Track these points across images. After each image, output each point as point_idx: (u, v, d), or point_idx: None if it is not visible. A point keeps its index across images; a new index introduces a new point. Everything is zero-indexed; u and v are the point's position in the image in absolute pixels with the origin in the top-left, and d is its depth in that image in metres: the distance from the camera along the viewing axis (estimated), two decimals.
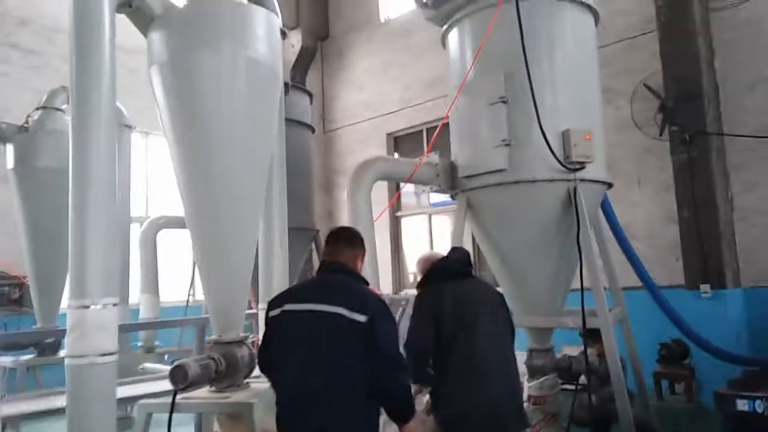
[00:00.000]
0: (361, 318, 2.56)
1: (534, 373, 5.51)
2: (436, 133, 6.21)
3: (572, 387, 5.01)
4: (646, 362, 6.44)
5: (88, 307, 2.85)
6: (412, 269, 10.67)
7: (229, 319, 3.52)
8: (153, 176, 10.41)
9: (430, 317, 3.16)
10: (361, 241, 2.99)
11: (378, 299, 2.79)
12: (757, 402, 2.23)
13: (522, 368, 5.67)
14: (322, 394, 2.52)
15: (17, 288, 7.99)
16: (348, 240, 2.95)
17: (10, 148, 6.48)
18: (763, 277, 6.75)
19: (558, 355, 5.46)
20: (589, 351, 5.00)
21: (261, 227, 4.58)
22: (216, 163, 3.33)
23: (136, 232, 8.16)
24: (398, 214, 11.35)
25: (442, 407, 3.12)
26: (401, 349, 2.83)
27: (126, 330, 6.53)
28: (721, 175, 6.91)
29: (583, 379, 5.12)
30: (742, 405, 2.28)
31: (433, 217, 10.80)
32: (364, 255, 2.98)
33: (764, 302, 6.65)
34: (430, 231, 10.77)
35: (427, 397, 3.38)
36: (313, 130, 8.82)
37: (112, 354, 2.91)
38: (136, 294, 8.06)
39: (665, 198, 7.33)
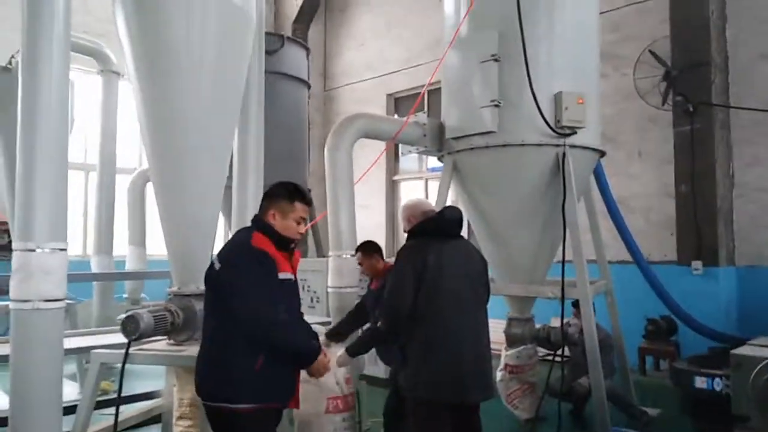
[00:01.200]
0: (216, 266, 2.59)
1: (512, 342, 5.43)
2: (422, 93, 5.99)
3: (551, 357, 4.91)
4: (634, 337, 6.35)
5: (33, 250, 2.75)
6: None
7: (190, 270, 3.41)
8: None
9: (412, 275, 3.04)
10: (273, 193, 2.75)
11: (242, 247, 2.60)
12: (716, 380, 2.10)
13: (501, 336, 5.62)
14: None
15: (5, 234, 7.94)
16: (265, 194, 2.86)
17: None
18: (759, 256, 6.58)
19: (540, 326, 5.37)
20: (577, 321, 4.93)
21: (235, 182, 4.46)
22: (177, 102, 3.15)
23: (125, 183, 8.08)
24: (395, 178, 11.17)
25: (409, 368, 3.06)
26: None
27: (101, 279, 6.51)
28: (724, 148, 6.67)
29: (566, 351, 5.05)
30: (700, 382, 2.15)
31: (430, 182, 10.62)
32: (277, 208, 2.67)
33: (757, 282, 6.50)
34: (426, 196, 10.61)
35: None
36: (309, 87, 8.58)
37: (58, 300, 2.82)
38: (124, 246, 8.03)
39: (665, 171, 7.11)
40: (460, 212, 3.34)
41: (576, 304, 4.85)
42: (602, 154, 5.15)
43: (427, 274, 3.03)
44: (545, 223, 4.89)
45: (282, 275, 2.59)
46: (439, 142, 5.19)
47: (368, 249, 4.20)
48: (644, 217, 7.26)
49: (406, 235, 3.34)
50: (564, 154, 4.57)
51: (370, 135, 5.04)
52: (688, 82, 6.60)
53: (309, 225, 8.39)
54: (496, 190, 4.91)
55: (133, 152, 10.05)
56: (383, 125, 5.20)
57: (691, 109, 6.52)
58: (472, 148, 4.82)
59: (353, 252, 4.72)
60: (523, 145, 4.61)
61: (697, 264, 6.53)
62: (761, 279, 6.49)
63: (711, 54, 6.56)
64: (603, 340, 4.80)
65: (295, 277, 2.75)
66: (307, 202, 2.74)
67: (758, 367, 1.96)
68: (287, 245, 2.69)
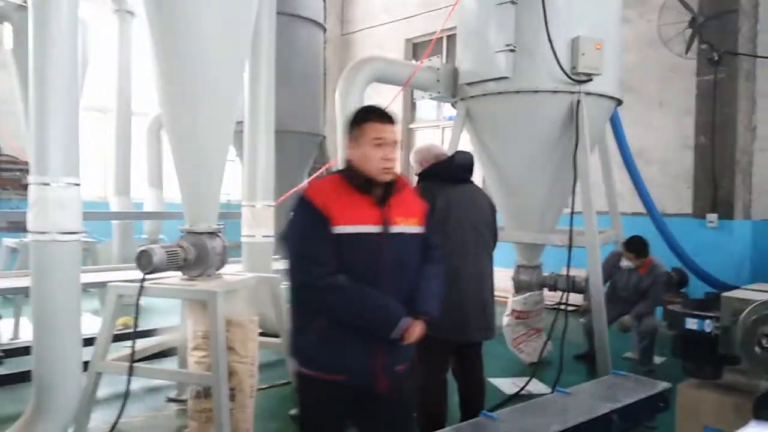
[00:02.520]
0: None
1: (520, 288, 5.52)
2: (435, 37, 5.87)
3: (558, 305, 4.99)
4: None
5: (48, 184, 2.84)
6: None
7: (200, 209, 3.49)
8: None
9: (442, 220, 3.03)
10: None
11: (297, 197, 2.19)
12: (706, 322, 2.15)
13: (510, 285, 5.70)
14: None
15: (27, 172, 8.10)
16: None
17: (9, 28, 6.34)
18: None
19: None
20: (627, 264, 5.22)
21: (247, 126, 4.49)
22: (183, 38, 3.14)
23: (144, 127, 8.15)
24: (411, 126, 11.10)
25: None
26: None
27: (119, 218, 6.67)
28: (747, 100, 6.50)
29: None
30: (691, 324, 2.20)
31: (446, 130, 10.54)
32: (350, 138, 2.19)
33: None
34: (442, 145, 10.54)
35: None
36: (325, 30, 8.44)
37: (74, 233, 2.92)
38: (143, 189, 8.18)
39: (685, 123, 6.97)
40: (471, 156, 3.33)
41: (629, 247, 5.17)
42: (619, 102, 5.06)
43: (435, 217, 2.93)
44: (557, 172, 4.87)
45: (341, 228, 2.05)
46: (452, 87, 5.13)
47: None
48: (661, 170, 7.17)
49: (416, 178, 3.34)
50: (578, 102, 4.51)
51: (382, 79, 5.00)
52: (714, 30, 6.39)
53: (322, 169, 8.44)
54: (508, 137, 4.88)
55: (151, 96, 10.10)
56: (396, 69, 5.15)
57: (716, 58, 6.34)
58: (485, 94, 4.77)
59: None
60: (537, 91, 4.55)
61: (711, 217, 6.48)
62: None
63: (739, 1, 6.30)
64: (661, 275, 5.26)
65: (395, 222, 2.14)
66: (384, 118, 2.13)
67: (747, 309, 1.99)
68: (369, 185, 2.10)
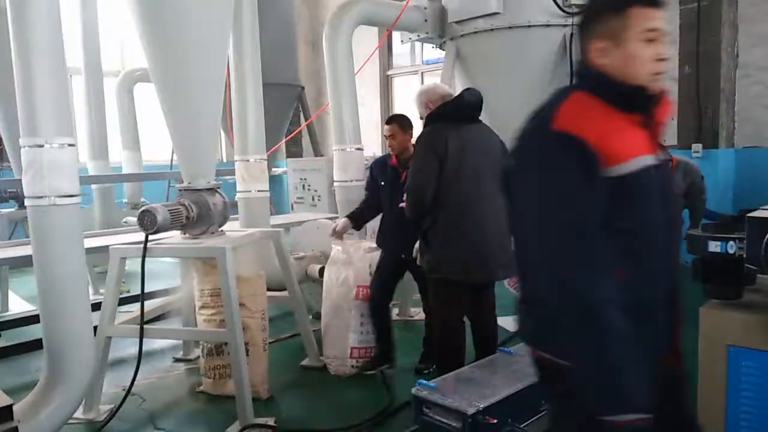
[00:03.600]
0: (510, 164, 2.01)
1: None
2: None
3: None
4: None
5: (41, 146, 2.69)
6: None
7: (198, 165, 3.38)
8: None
9: (435, 158, 3.02)
10: (587, 16, 1.58)
11: (538, 137, 1.46)
12: (729, 243, 2.18)
13: None
14: None
15: None
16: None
17: None
18: (759, 137, 6.59)
19: None
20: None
21: (234, 81, 4.32)
22: None
23: (112, 86, 7.81)
24: (389, 73, 10.87)
25: (435, 248, 3.10)
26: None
27: (100, 182, 6.47)
28: (730, 28, 6.47)
29: None
30: (714, 246, 2.23)
31: (426, 75, 10.35)
32: (601, 35, 1.47)
33: (754, 163, 6.57)
34: None
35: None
36: None
37: (73, 196, 2.80)
38: (118, 152, 7.91)
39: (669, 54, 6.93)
40: (480, 95, 3.24)
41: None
42: None
43: (449, 158, 3.01)
44: None
45: (618, 169, 1.35)
46: (440, 27, 5.00)
47: (406, 123, 3.73)
48: None
49: (422, 121, 3.27)
50: (572, 35, 4.43)
51: (369, 21, 4.85)
52: None
53: (305, 123, 8.27)
54: (500, 76, 4.80)
55: (115, 54, 9.65)
56: (382, 10, 4.97)
57: None
58: (476, 32, 4.66)
59: (358, 145, 4.69)
60: (529, 26, 4.47)
61: (697, 146, 6.55)
62: (759, 160, 6.55)
63: None
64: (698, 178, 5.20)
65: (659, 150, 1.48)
66: (655, 1, 1.43)
67: None
68: (636, 100, 1.44)
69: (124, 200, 7.73)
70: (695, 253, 2.37)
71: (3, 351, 4.34)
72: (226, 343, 3.30)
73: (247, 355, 3.35)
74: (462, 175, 3.02)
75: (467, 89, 3.30)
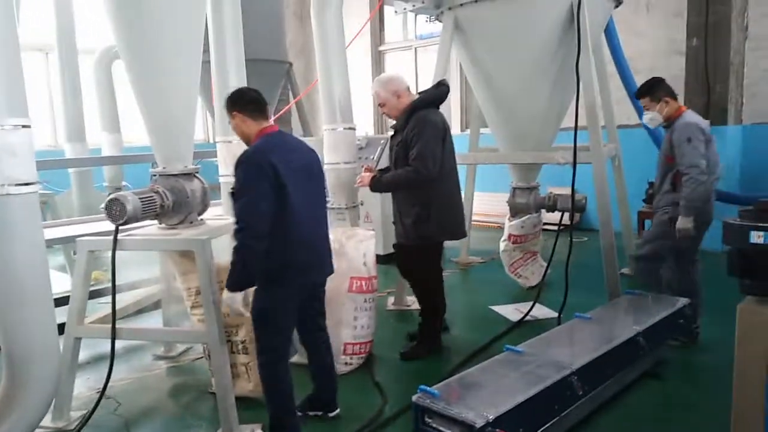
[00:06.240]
0: None
1: (517, 211, 5.29)
2: None
3: (556, 226, 4.78)
4: (635, 201, 6.24)
5: None
6: None
7: (174, 148, 3.06)
8: None
9: (440, 143, 3.53)
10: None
11: None
12: None
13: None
14: None
15: None
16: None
17: None
18: (766, 113, 6.32)
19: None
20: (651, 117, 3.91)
21: (214, 56, 3.97)
22: None
23: (89, 65, 7.39)
24: (381, 48, 10.49)
25: (434, 219, 3.59)
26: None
27: (76, 165, 6.15)
28: None
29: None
30: (756, 237, 1.96)
31: (420, 51, 9.98)
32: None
33: (761, 140, 6.31)
34: (415, 67, 10.02)
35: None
36: None
37: (30, 184, 2.47)
38: (97, 134, 7.52)
39: (674, 26, 6.63)
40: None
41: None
42: (618, 2, 4.67)
43: (446, 138, 3.60)
44: (555, 84, 4.53)
45: None
46: None
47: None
48: (649, 77, 6.86)
49: (382, 108, 3.74)
50: (579, 3, 4.11)
51: None
52: None
53: (294, 101, 7.93)
54: (503, 48, 4.47)
55: (93, 30, 9.20)
56: None
57: None
58: (476, 1, 4.32)
59: (349, 125, 4.37)
60: None
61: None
62: (766, 137, 6.30)
63: None
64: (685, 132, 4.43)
65: None
66: None
67: None
68: None
69: (105, 184, 7.37)
70: (732, 245, 2.09)
71: None
72: (229, 341, 3.03)
73: (247, 353, 3.09)
74: (449, 152, 3.62)
75: (442, 81, 3.78)
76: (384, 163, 4.25)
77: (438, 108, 3.67)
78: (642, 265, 3.95)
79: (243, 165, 2.50)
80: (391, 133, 3.84)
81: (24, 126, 2.44)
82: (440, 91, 3.69)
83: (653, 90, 3.77)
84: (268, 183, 2.45)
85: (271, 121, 2.66)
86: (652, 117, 3.78)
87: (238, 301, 2.55)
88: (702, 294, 3.86)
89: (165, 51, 2.86)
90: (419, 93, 3.73)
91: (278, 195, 2.48)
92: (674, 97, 3.79)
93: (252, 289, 2.64)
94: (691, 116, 3.70)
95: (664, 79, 3.88)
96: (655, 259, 3.85)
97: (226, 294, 2.54)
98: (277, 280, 2.58)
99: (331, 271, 2.88)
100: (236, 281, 2.50)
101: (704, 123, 3.69)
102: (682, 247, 3.71)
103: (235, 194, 2.50)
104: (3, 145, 2.39)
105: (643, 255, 3.89)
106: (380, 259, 4.15)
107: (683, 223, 3.57)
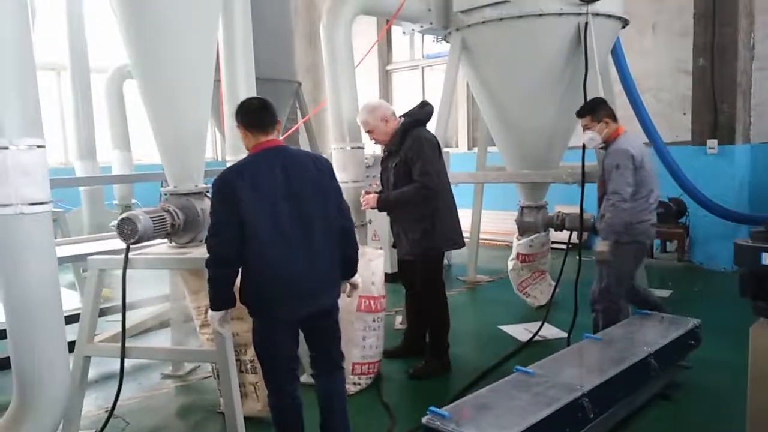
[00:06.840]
0: None
1: (525, 230, 5.27)
2: None
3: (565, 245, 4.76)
4: None
5: (6, 148, 2.39)
6: None
7: (185, 167, 3.09)
8: None
9: (437, 158, 3.71)
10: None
11: None
12: None
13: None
14: None
15: None
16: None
17: None
18: None
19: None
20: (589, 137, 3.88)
21: (225, 76, 4.02)
22: None
23: (101, 84, 7.49)
24: (388, 68, 10.57)
25: (440, 230, 3.71)
26: None
27: (87, 183, 6.19)
28: (747, 18, 6.19)
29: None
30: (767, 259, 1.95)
31: (427, 70, 10.06)
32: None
33: None
34: (423, 87, 10.09)
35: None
36: None
37: (43, 204, 2.50)
38: (108, 152, 7.60)
39: (680, 46, 6.65)
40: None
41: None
42: (625, 23, 4.71)
43: (440, 153, 3.81)
44: (562, 103, 4.55)
45: None
46: (445, 17, 4.71)
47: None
48: (654, 97, 6.90)
49: (369, 134, 3.85)
50: (587, 24, 4.15)
51: (370, 10, 4.54)
52: None
53: (302, 120, 7.99)
54: (509, 69, 4.51)
55: (105, 49, 9.33)
56: None
57: None
58: (483, 22, 4.37)
59: (358, 144, 4.41)
60: (541, 15, 4.17)
61: (712, 142, 6.27)
62: None
63: None
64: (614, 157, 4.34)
65: None
66: None
67: None
68: None
69: (114, 202, 7.43)
70: (743, 266, 2.08)
71: None
72: (238, 360, 3.02)
73: (256, 372, 3.08)
74: (442, 166, 3.81)
75: (424, 101, 3.92)
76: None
77: (425, 126, 3.81)
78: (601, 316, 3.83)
79: (212, 187, 2.44)
80: (383, 154, 3.91)
81: (39, 146, 2.47)
82: (426, 110, 3.83)
83: (596, 110, 3.74)
84: (230, 209, 2.32)
85: (274, 135, 2.55)
86: (592, 137, 3.75)
87: (216, 320, 2.49)
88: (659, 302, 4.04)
89: (178, 71, 2.90)
90: (402, 115, 3.81)
91: (240, 226, 2.33)
92: (614, 119, 3.75)
93: (232, 309, 2.55)
94: (624, 141, 3.63)
95: (605, 100, 3.89)
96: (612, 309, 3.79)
97: (209, 312, 2.51)
98: (255, 311, 2.50)
99: (329, 303, 2.54)
100: (211, 300, 2.45)
101: (636, 149, 3.59)
102: (624, 271, 3.70)
103: None
104: (17, 165, 2.41)
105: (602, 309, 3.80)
106: (388, 278, 4.15)
107: (601, 245, 3.63)
